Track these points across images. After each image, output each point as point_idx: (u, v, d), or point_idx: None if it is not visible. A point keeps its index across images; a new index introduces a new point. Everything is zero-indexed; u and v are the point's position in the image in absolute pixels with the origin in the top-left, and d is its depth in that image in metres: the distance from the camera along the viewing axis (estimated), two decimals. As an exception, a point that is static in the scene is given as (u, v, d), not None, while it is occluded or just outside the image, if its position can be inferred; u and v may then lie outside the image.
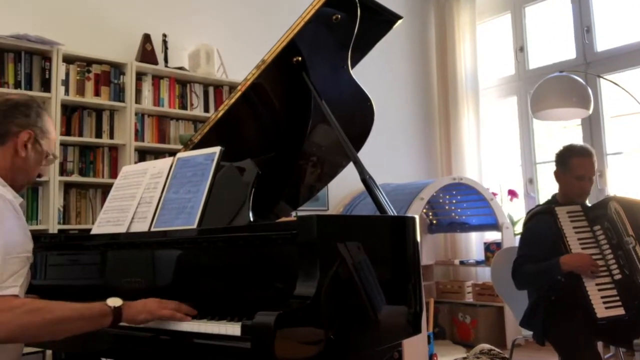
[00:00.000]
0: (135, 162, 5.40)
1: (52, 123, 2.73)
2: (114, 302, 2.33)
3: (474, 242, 8.05)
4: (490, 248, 7.35)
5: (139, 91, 5.73)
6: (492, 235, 7.65)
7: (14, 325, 2.12)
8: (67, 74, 5.32)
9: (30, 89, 5.06)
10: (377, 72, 7.69)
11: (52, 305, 2.29)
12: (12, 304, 2.16)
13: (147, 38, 5.87)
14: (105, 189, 5.31)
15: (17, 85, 5.01)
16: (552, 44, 7.86)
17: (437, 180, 6.99)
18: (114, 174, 5.45)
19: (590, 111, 5.83)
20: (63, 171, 5.26)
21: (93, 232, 3.07)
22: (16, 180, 2.57)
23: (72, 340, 2.37)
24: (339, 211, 7.25)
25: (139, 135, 5.71)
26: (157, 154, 5.85)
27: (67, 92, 5.29)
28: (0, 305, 2.13)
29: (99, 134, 5.49)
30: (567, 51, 7.61)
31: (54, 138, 2.73)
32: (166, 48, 6.09)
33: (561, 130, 7.94)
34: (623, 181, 7.02)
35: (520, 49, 8.10)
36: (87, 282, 2.94)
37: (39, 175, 2.74)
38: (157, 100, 5.88)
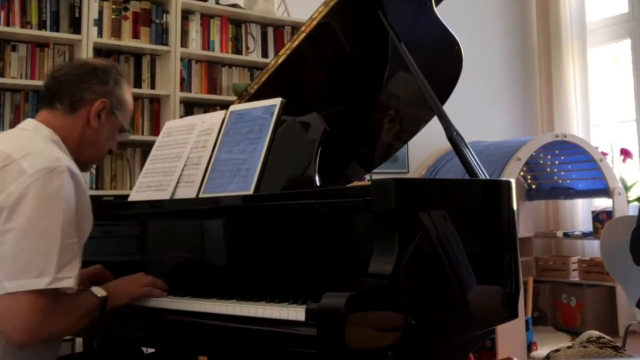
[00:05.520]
0: (181, 116, 5.42)
1: (131, 93, 2.77)
2: (99, 291, 2.43)
3: (581, 211, 7.98)
4: (600, 217, 7.27)
5: (185, 33, 5.75)
6: (602, 203, 7.58)
7: (64, 328, 2.28)
8: (101, 13, 5.34)
9: (57, 30, 5.10)
10: (466, 10, 7.61)
11: (79, 299, 2.39)
12: (68, 307, 2.27)
13: (194, -30, 5.86)
14: (146, 148, 5.32)
15: (41, 25, 5.04)
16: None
17: (537, 137, 6.95)
18: (155, 130, 5.50)
19: None
20: (96, 127, 5.27)
21: (131, 198, 3.11)
22: (84, 154, 2.60)
23: (106, 329, 2.41)
24: (421, 174, 7.27)
25: (185, 84, 5.73)
26: (207, 107, 5.90)
27: (100, 33, 5.31)
28: (59, 307, 2.21)
29: (137, 83, 5.53)
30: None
31: (130, 110, 2.77)
32: (216, -18, 6.08)
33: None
34: None
35: (636, -19, 7.92)
36: (124, 257, 2.98)
37: (110, 152, 2.75)
38: (206, 44, 5.90)
